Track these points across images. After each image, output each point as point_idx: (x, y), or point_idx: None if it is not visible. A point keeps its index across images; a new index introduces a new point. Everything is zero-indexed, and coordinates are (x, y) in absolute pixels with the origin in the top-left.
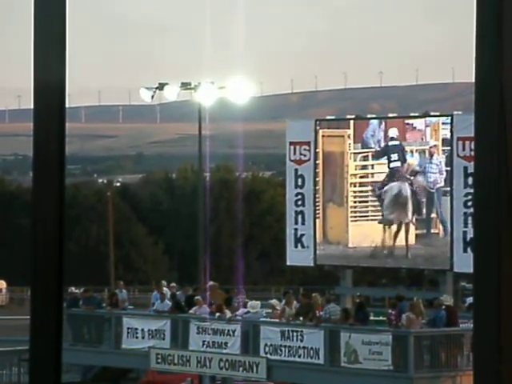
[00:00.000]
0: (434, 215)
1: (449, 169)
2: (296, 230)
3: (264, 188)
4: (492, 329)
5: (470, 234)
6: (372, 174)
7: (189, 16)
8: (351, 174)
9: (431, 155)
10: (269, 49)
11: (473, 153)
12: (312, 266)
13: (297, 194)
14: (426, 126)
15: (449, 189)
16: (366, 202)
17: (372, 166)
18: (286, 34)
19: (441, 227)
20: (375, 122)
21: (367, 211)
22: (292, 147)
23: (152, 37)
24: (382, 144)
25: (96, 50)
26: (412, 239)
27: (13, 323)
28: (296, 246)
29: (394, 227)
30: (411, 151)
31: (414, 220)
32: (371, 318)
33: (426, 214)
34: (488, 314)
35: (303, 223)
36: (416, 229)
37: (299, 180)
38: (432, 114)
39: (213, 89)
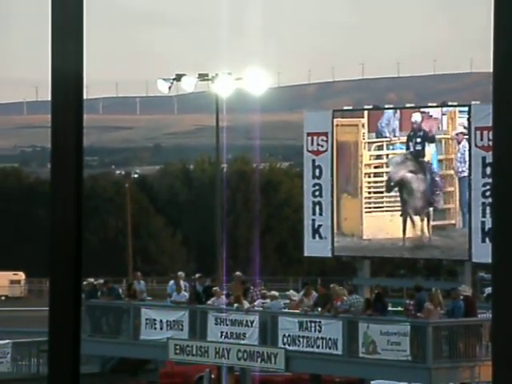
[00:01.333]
0: (452, 205)
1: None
2: (313, 220)
3: (281, 179)
4: (511, 319)
5: (489, 224)
6: (387, 164)
7: (206, 7)
8: (365, 164)
9: (459, 143)
10: (286, 40)
11: (491, 143)
12: (330, 257)
13: (314, 185)
14: (443, 114)
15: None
16: (381, 192)
17: (387, 155)
18: (303, 25)
19: (459, 218)
20: (390, 111)
21: (382, 202)
22: (309, 138)
23: (170, 28)
24: (398, 133)
25: (114, 41)
26: (429, 230)
27: (31, 315)
28: (314, 237)
29: (415, 219)
30: (428, 140)
31: (431, 211)
32: (389, 308)
33: (445, 204)
34: (506, 304)
35: (321, 214)
36: (433, 220)
37: (316, 171)
38: (450, 103)
39: (230, 80)
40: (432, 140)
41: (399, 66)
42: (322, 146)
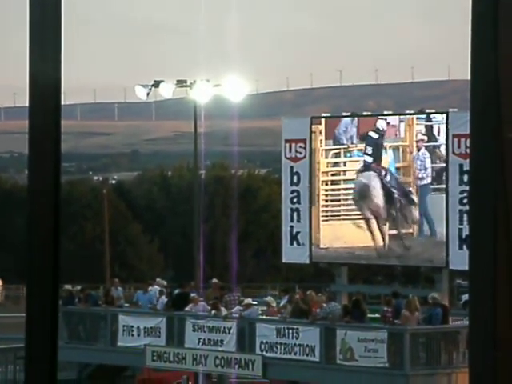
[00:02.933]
0: (412, 213)
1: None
2: (292, 227)
3: (259, 185)
4: (487, 326)
5: (466, 232)
6: (344, 171)
7: (184, 14)
8: (322, 172)
9: (418, 149)
10: (264, 47)
11: (468, 150)
12: (308, 264)
13: (292, 192)
14: (400, 121)
15: (437, 186)
16: (338, 200)
17: (344, 163)
18: (281, 32)
19: (415, 227)
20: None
21: (339, 210)
22: (287, 145)
23: (148, 35)
24: (355, 140)
25: (91, 47)
26: (386, 239)
27: (8, 321)
28: (292, 244)
29: (373, 227)
30: (385, 148)
31: (387, 219)
32: (367, 315)
33: (403, 212)
34: (483, 311)
35: (299, 221)
36: (389, 228)
37: (295, 177)
38: (428, 111)
39: (208, 86)
40: (386, 147)
41: (377, 73)
42: (300, 153)
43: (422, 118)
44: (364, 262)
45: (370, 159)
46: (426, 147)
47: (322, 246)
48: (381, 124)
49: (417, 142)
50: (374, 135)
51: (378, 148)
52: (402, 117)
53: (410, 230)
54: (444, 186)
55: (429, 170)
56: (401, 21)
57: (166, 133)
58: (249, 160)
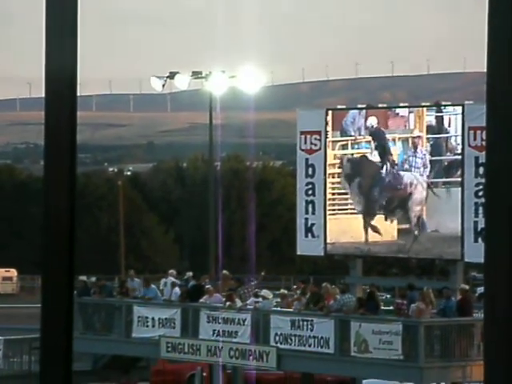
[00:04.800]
0: (414, 210)
1: (433, 158)
2: (306, 219)
3: (275, 177)
4: (502, 319)
5: (481, 224)
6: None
7: (200, 5)
8: (329, 164)
9: (415, 147)
10: (280, 38)
11: (484, 143)
12: (322, 256)
13: (307, 184)
14: (410, 112)
15: (447, 179)
16: (346, 193)
17: (352, 155)
18: (298, 24)
19: (426, 221)
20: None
21: (346, 204)
22: (303, 136)
23: (164, 26)
24: (363, 132)
25: (107, 38)
26: (394, 235)
27: (24, 311)
28: (306, 236)
29: (380, 221)
30: (393, 139)
31: (394, 215)
32: (381, 307)
33: (406, 209)
34: (499, 304)
35: (313, 213)
36: (398, 223)
37: (310, 169)
38: (443, 103)
39: (224, 78)
40: (394, 139)
41: (393, 66)
42: (316, 145)
43: (432, 109)
44: (380, 255)
45: (377, 154)
46: (430, 140)
47: (328, 240)
48: (371, 122)
49: (413, 138)
50: (375, 131)
51: (380, 145)
52: (411, 108)
53: (414, 226)
54: (457, 179)
55: (428, 167)
56: (417, 13)
57: (181, 124)
58: (264, 152)
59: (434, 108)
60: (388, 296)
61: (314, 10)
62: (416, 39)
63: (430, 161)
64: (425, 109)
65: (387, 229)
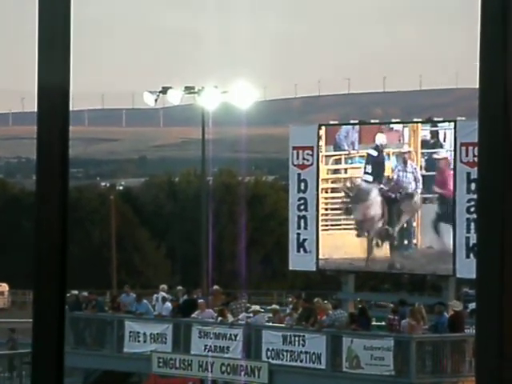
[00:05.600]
0: (412, 225)
1: (427, 173)
2: (298, 234)
3: (267, 192)
4: (494, 335)
5: (473, 240)
6: (345, 178)
7: (193, 21)
8: (322, 179)
9: (405, 162)
10: (272, 53)
11: (476, 159)
12: (314, 271)
13: (300, 199)
14: (404, 126)
15: (428, 196)
16: (339, 209)
17: (345, 170)
18: (290, 40)
19: (419, 237)
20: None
21: (340, 220)
22: (295, 152)
23: (156, 41)
24: (357, 146)
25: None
26: (387, 251)
27: (15, 326)
28: (298, 251)
29: (374, 238)
30: (387, 154)
31: (389, 231)
32: (373, 323)
33: (401, 224)
34: (490, 320)
35: (306, 228)
36: (391, 240)
37: (302, 184)
38: (435, 119)
39: (216, 93)
40: (389, 154)
41: (385, 81)
42: (308, 160)
43: (427, 124)
44: (370, 270)
45: (370, 178)
46: (425, 155)
47: (321, 256)
48: (380, 140)
49: (403, 153)
50: (374, 153)
51: (378, 166)
52: (404, 124)
53: (413, 241)
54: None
55: (420, 182)
56: (408, 28)
57: (173, 139)
58: (256, 167)
59: (429, 123)
60: (390, 304)
61: (306, 26)
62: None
63: (424, 176)
64: (419, 124)
65: (381, 246)
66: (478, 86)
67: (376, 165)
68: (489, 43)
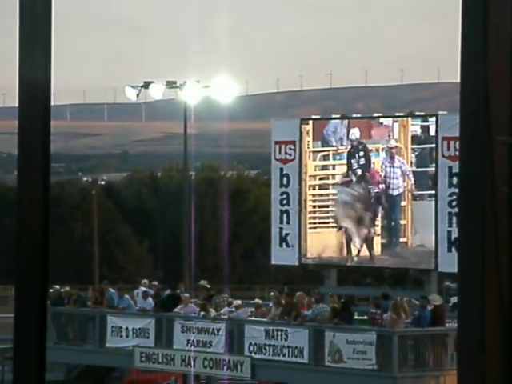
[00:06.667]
0: (401, 222)
1: (418, 169)
2: (281, 229)
3: (249, 187)
4: (476, 328)
5: (455, 234)
6: (333, 175)
7: (175, 15)
8: (310, 176)
9: (392, 158)
10: (254, 48)
11: (457, 153)
12: (297, 265)
13: (282, 194)
14: (394, 121)
15: (417, 192)
16: (327, 206)
17: (333, 166)
18: (272, 34)
19: (410, 236)
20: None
21: (328, 217)
22: (277, 146)
23: (138, 35)
24: (345, 142)
25: (81, 48)
26: (378, 249)
27: None
28: (281, 245)
29: (356, 238)
30: (377, 150)
31: (376, 229)
32: (356, 317)
33: (389, 221)
34: (472, 313)
35: (288, 222)
36: (382, 238)
37: (284, 179)
38: (417, 113)
39: (198, 87)
40: (378, 149)
41: (367, 76)
42: (290, 155)
43: (417, 118)
44: (355, 265)
45: (352, 176)
46: (415, 151)
47: (309, 255)
48: (354, 133)
49: (390, 148)
50: (348, 147)
51: (352, 160)
52: (395, 118)
53: (405, 239)
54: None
55: (411, 178)
56: (390, 22)
57: (155, 134)
58: (238, 161)
59: (410, 117)
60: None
61: (287, 21)
62: (389, 49)
63: (415, 172)
64: (409, 118)
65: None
66: (459, 81)
67: (351, 159)
68: (469, 38)
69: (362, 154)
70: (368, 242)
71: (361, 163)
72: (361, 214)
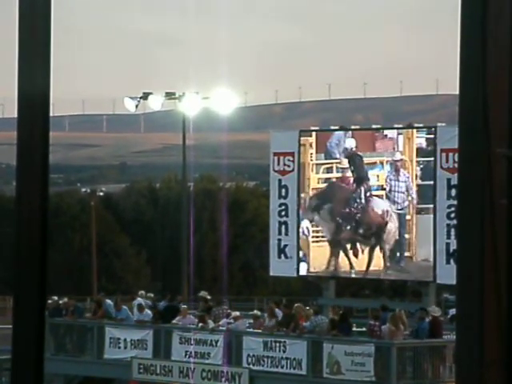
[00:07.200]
0: (406, 236)
1: (423, 182)
2: (279, 240)
3: (248, 198)
4: (474, 341)
5: (453, 246)
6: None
7: (174, 27)
8: (313, 188)
9: (397, 171)
10: (253, 60)
11: (456, 165)
12: (295, 277)
13: (280, 205)
14: (399, 133)
15: (422, 206)
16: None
17: (337, 179)
18: (271, 46)
19: (414, 250)
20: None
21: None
22: (276, 158)
23: (137, 47)
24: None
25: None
26: (380, 263)
27: None
28: (279, 257)
29: (359, 252)
30: (381, 162)
31: (382, 244)
32: (354, 328)
33: (396, 236)
34: (471, 325)
35: (286, 234)
36: (385, 252)
37: (283, 190)
38: (416, 125)
39: (197, 99)
40: (382, 162)
41: (366, 87)
42: (289, 166)
43: (423, 131)
44: (353, 276)
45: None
46: (420, 164)
47: (312, 269)
48: (349, 143)
49: (395, 161)
50: (344, 158)
51: (358, 168)
52: (399, 130)
53: (409, 254)
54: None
55: (414, 191)
56: (390, 34)
57: (154, 145)
58: (237, 173)
59: (409, 129)
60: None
61: (287, 33)
62: (389, 61)
63: (420, 185)
64: (415, 130)
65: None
66: (458, 93)
67: (357, 167)
68: (469, 51)
69: (354, 167)
70: (371, 255)
71: (354, 176)
72: (363, 228)
